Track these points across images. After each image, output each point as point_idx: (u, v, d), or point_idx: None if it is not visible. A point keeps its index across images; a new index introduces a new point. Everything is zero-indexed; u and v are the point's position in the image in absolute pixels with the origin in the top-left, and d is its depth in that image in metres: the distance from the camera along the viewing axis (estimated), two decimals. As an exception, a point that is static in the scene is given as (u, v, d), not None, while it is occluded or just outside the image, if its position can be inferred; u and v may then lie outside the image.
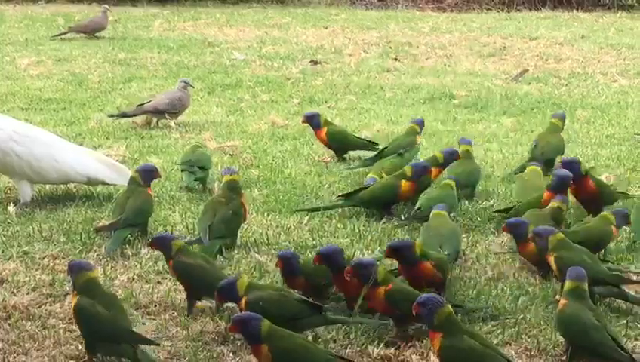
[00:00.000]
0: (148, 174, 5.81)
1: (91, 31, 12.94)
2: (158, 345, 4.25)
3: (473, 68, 11.37)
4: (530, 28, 14.06)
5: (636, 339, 4.44)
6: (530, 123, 8.73)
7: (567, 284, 4.39)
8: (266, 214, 6.10)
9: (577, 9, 15.95)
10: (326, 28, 13.96)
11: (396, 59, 11.84)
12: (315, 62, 11.46)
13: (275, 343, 3.92)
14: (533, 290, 4.96)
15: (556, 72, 11.10)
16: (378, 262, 4.66)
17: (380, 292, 4.45)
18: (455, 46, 12.70)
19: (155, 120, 8.52)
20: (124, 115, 8.49)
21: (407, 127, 7.49)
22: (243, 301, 4.34)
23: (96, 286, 4.31)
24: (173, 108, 8.52)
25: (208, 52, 12.05)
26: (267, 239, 5.62)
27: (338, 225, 5.91)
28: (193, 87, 9.03)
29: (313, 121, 7.53)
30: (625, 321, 4.57)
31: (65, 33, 12.93)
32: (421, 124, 7.47)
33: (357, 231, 5.76)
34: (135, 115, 8.50)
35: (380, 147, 7.31)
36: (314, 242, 5.58)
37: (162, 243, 4.81)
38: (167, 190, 6.57)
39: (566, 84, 10.45)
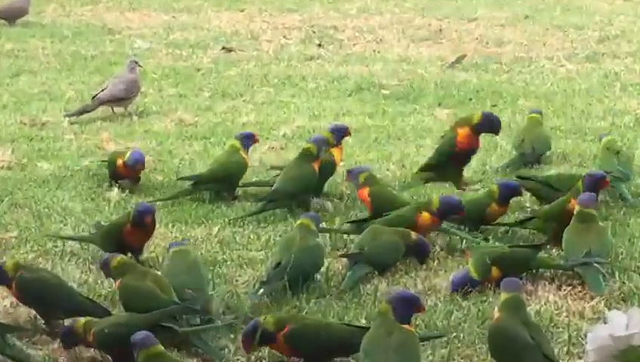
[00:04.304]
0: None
1: (12, 17, 12.50)
2: None
3: (405, 54, 11.41)
4: (469, 7, 14.14)
5: (579, 358, 4.39)
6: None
7: (503, 296, 4.38)
8: (170, 225, 6.05)
9: (521, -15, 16.09)
10: (242, 11, 13.92)
11: (320, 45, 11.84)
12: (228, 50, 11.43)
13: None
14: (467, 304, 4.96)
15: (497, 57, 11.18)
16: None
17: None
18: (385, 29, 12.73)
19: (113, 110, 8.69)
20: (84, 112, 8.56)
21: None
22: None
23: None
24: (130, 93, 8.63)
25: (108, 40, 11.94)
26: (171, 253, 5.56)
27: (251, 236, 5.86)
28: (142, 68, 9.17)
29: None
30: (567, 336, 4.55)
31: None
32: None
33: (272, 242, 5.69)
34: (95, 109, 8.56)
35: None
36: (224, 256, 5.52)
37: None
38: (58, 200, 6.50)
39: (508, 71, 10.54)
